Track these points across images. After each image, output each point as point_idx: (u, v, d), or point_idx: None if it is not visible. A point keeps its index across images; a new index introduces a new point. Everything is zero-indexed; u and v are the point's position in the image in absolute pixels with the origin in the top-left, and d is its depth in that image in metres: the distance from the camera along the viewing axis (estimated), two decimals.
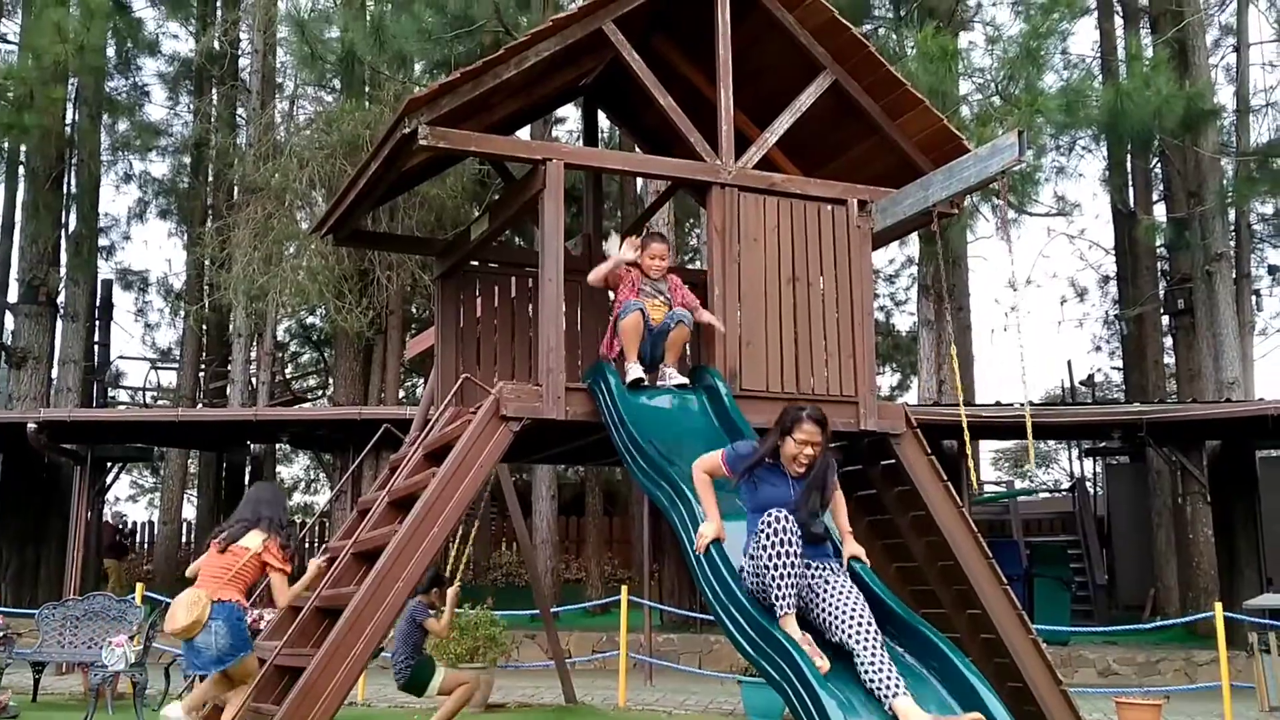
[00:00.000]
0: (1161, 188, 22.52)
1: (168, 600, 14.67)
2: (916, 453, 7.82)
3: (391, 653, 8.57)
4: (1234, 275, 18.49)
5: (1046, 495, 33.24)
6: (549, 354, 6.97)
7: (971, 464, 6.85)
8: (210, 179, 24.14)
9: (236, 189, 21.56)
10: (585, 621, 18.48)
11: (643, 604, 15.07)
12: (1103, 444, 22.25)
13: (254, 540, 6.73)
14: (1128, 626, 14.54)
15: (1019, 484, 33.81)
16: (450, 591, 9.03)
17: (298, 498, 37.57)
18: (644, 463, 6.22)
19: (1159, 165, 21.99)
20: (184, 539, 26.52)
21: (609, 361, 7.06)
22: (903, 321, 33.38)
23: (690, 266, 18.68)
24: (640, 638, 15.07)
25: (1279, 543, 17.49)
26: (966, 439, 6.32)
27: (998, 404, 15.37)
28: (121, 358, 28.49)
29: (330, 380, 25.20)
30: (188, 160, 25.41)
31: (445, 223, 18.83)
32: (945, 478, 7.90)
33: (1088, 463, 26.76)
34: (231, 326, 21.94)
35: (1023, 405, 14.82)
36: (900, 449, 7.79)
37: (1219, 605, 11.10)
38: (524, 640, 15.56)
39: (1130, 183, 22.43)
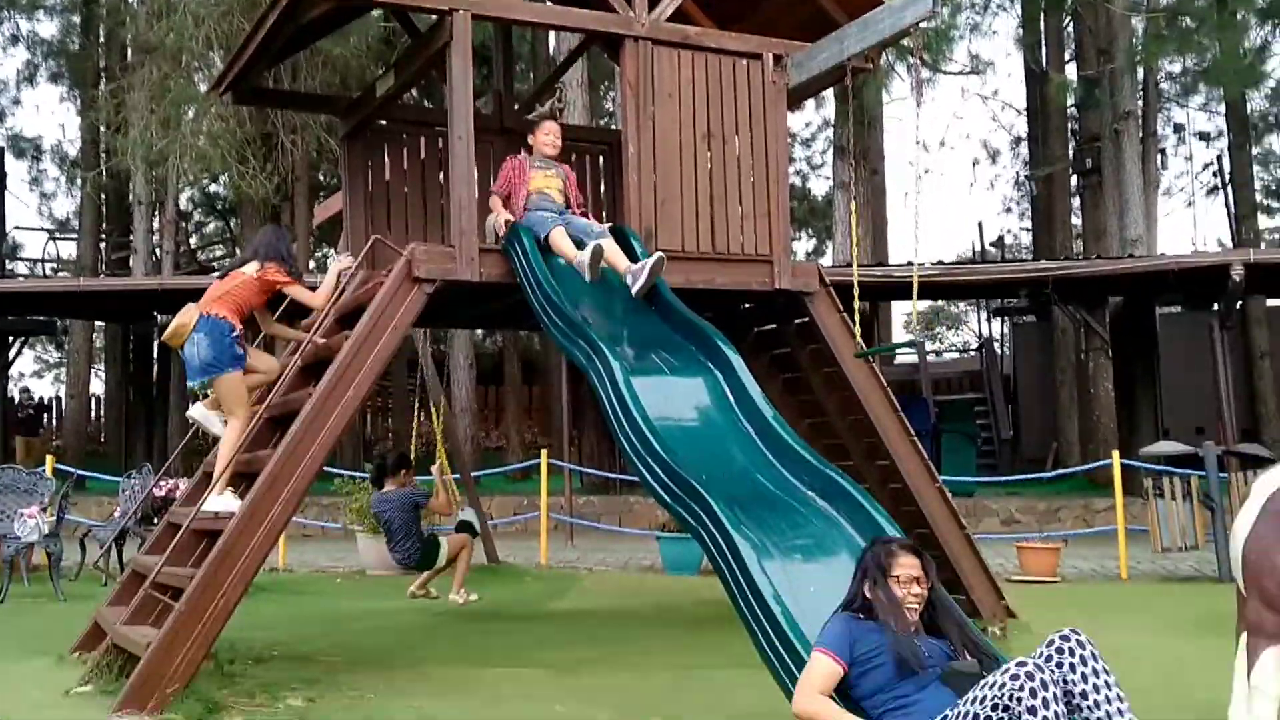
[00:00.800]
0: (1073, 46, 22.62)
1: (79, 473, 14.53)
2: (829, 311, 7.92)
3: (396, 546, 8.62)
4: (1140, 134, 18.76)
5: (955, 355, 34.08)
6: (461, 214, 6.85)
7: (857, 321, 6.90)
8: (102, 39, 23.01)
9: (130, 49, 20.60)
10: (507, 487, 18.68)
11: (563, 467, 15.25)
12: (1010, 304, 22.77)
13: (250, 267, 6.79)
14: (1030, 475, 15.09)
15: (930, 346, 34.56)
16: (434, 467, 9.17)
17: None
18: (561, 322, 6.20)
19: (1071, 23, 22.04)
20: (92, 413, 26.08)
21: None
22: (819, 186, 33.50)
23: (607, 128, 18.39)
24: (561, 500, 15.29)
25: (1176, 396, 18.22)
26: (856, 294, 6.41)
27: (909, 264, 15.55)
28: (18, 229, 27.50)
29: (237, 249, 24.62)
30: (77, 19, 24.16)
31: (351, 84, 18.22)
32: (857, 335, 8.01)
33: (996, 323, 27.42)
34: (131, 194, 21.22)
35: (925, 265, 15.05)
36: (814, 307, 7.88)
37: (1116, 453, 11.56)
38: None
39: (1043, 41, 22.47)
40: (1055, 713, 3.44)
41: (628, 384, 5.45)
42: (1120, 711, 3.62)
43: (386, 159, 8.65)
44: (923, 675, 3.72)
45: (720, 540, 4.61)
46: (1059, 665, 3.67)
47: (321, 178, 23.64)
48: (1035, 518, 15.12)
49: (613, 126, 21.99)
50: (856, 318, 6.71)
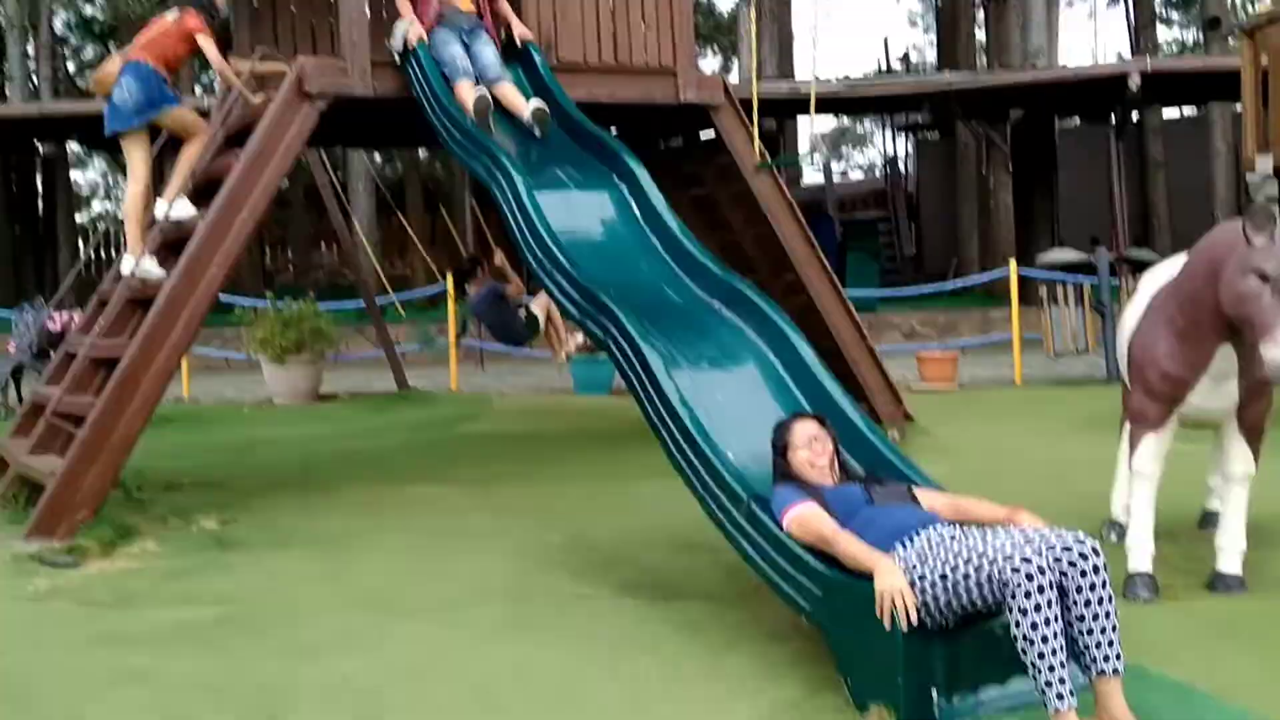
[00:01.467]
0: None
1: None
2: (734, 124, 7.84)
3: (508, 333, 8.46)
4: None
5: (862, 175, 34.24)
6: (351, 26, 6.57)
7: (756, 133, 6.87)
8: None
9: None
10: (416, 315, 18.54)
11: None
12: (915, 121, 22.81)
13: (171, 14, 6.74)
14: (931, 287, 15.40)
15: (836, 166, 34.65)
16: (497, 259, 8.88)
17: (96, 205, 35.75)
18: (461, 137, 6.05)
19: None
20: None
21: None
22: (725, 3, 32.84)
23: None
24: (471, 326, 15.24)
25: (1073, 208, 18.60)
26: (755, 105, 6.36)
27: (817, 79, 15.42)
28: None
29: None
30: None
31: None
32: (763, 148, 7.98)
33: (901, 142, 27.51)
34: (2, 18, 19.97)
35: (830, 80, 14.94)
36: (719, 121, 7.79)
37: (1012, 262, 11.83)
38: (352, 335, 15.54)
39: None
40: (1049, 619, 3.07)
41: (531, 198, 5.37)
42: (1112, 643, 3.16)
43: None
44: (869, 508, 3.77)
45: (629, 351, 4.64)
46: (1063, 574, 3.15)
47: None
48: (936, 329, 15.51)
49: None
50: (755, 130, 6.65)
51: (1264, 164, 7.94)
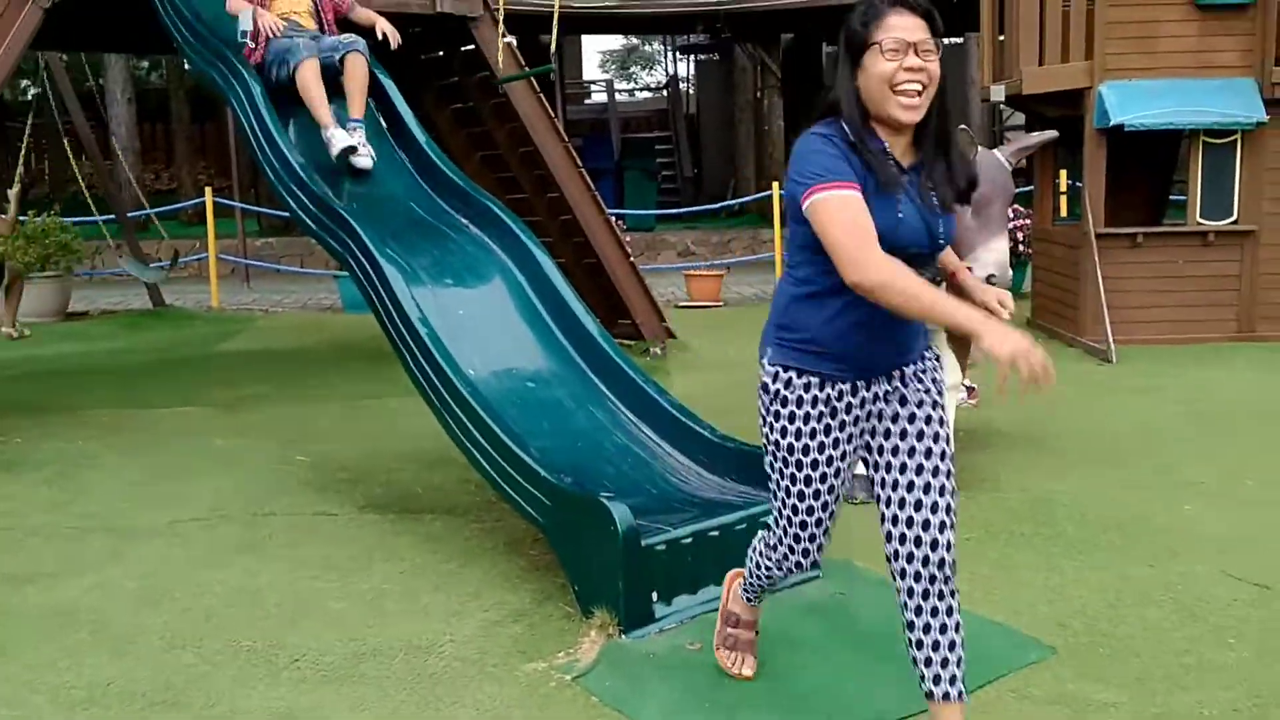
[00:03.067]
0: None
1: None
2: (494, 36, 7.74)
3: None
4: None
5: (646, 95, 34.35)
6: None
7: (501, 48, 6.83)
8: None
9: None
10: (180, 230, 17.68)
11: (233, 206, 14.57)
12: (696, 42, 23.00)
13: None
14: (706, 206, 15.73)
15: (620, 85, 34.63)
16: (12, 191, 8.39)
17: None
18: (195, 40, 5.78)
19: None
20: None
21: None
22: None
23: None
24: (235, 243, 14.69)
25: None
26: (501, 19, 6.32)
27: None
28: None
29: None
30: None
31: None
32: (523, 62, 7.92)
33: (684, 64, 27.70)
34: None
35: None
36: (478, 33, 7.69)
37: (775, 184, 12.20)
38: (106, 249, 14.74)
39: None
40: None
41: (269, 108, 5.19)
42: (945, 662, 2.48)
43: None
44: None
45: (367, 266, 4.59)
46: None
47: None
48: (709, 249, 15.89)
49: None
50: (500, 42, 6.61)
51: (998, 92, 8.41)
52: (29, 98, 28.48)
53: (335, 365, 8.41)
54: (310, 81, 5.29)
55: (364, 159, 5.26)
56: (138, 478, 5.21)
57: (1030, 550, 4.03)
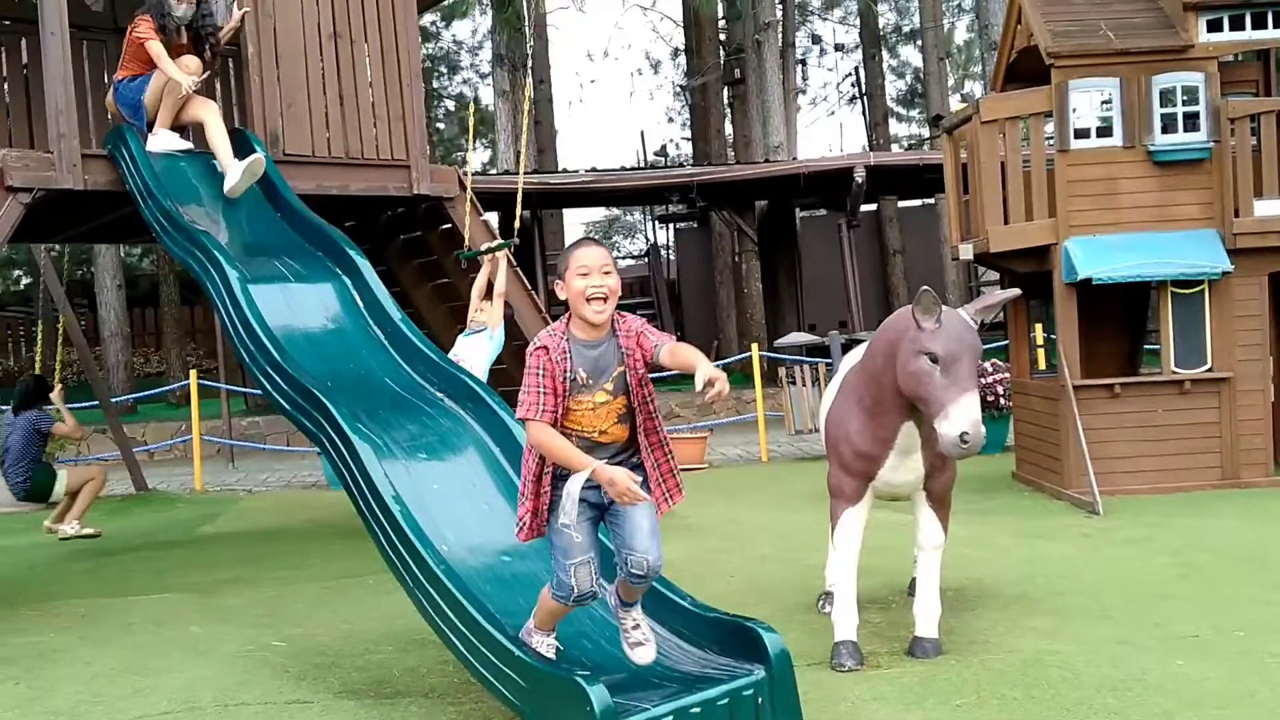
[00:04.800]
0: None
1: None
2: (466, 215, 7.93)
3: (8, 470, 8.14)
4: (780, 45, 19.73)
5: (629, 262, 35.04)
6: (59, 117, 6.33)
7: (468, 225, 7.05)
8: None
9: None
10: (168, 413, 17.73)
11: (218, 388, 14.62)
12: (674, 211, 23.62)
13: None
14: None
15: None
16: (55, 394, 8.56)
17: None
18: (174, 231, 5.89)
19: None
20: None
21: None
22: (490, 95, 33.32)
23: None
24: (220, 424, 14.69)
25: (817, 291, 19.58)
26: (469, 197, 6.50)
27: (563, 171, 15.79)
28: None
29: None
30: None
31: None
32: (498, 236, 8.08)
33: (663, 232, 28.37)
34: None
35: (579, 171, 15.31)
36: (454, 212, 7.87)
37: (755, 346, 12.34)
38: (95, 435, 14.73)
39: None
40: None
41: (245, 292, 5.27)
42: None
43: None
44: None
45: (340, 444, 4.58)
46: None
47: None
48: (693, 411, 15.93)
49: None
50: (468, 219, 6.79)
51: (966, 251, 8.58)
52: (21, 287, 28.93)
53: (317, 543, 8.30)
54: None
55: None
56: (109, 670, 5.06)
57: (1023, 715, 3.91)
